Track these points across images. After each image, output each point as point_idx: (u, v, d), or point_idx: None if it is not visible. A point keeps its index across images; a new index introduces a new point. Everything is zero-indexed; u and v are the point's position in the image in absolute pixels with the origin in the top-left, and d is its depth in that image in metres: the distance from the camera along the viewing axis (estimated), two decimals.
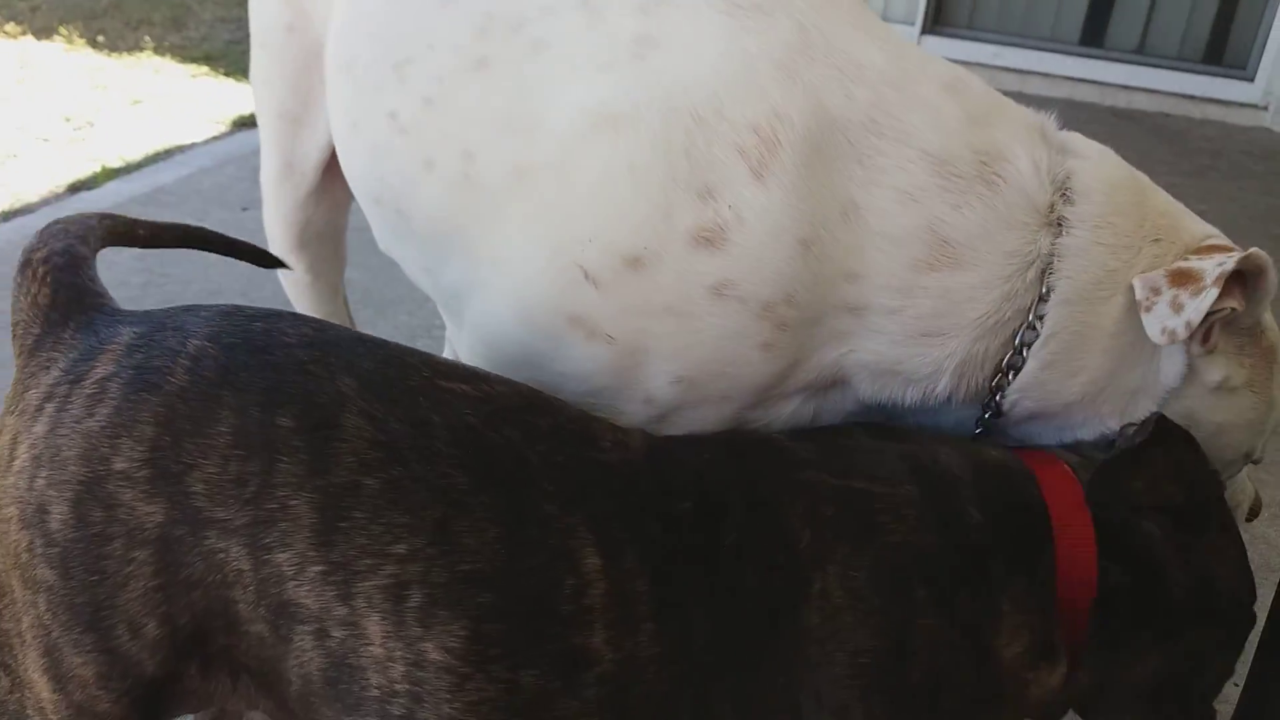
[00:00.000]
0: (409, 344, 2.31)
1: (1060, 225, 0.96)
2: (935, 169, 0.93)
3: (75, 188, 3.36)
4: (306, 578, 0.73)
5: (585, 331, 0.95)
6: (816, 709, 0.79)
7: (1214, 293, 0.90)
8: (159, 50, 4.89)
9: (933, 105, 0.95)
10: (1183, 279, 0.92)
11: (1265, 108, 4.51)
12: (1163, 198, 1.05)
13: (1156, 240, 0.98)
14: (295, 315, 0.88)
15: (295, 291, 1.67)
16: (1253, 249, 0.93)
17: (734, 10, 0.96)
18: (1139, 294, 0.93)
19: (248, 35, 4.85)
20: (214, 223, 2.86)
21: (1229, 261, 0.91)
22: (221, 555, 0.74)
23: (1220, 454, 1.02)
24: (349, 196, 1.55)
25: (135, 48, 4.91)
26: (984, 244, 0.93)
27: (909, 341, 0.95)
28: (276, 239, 1.58)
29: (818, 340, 0.95)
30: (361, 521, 0.74)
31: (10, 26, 5.08)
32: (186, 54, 4.87)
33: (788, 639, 0.80)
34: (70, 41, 4.92)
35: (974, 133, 0.95)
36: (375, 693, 0.74)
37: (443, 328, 2.29)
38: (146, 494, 0.74)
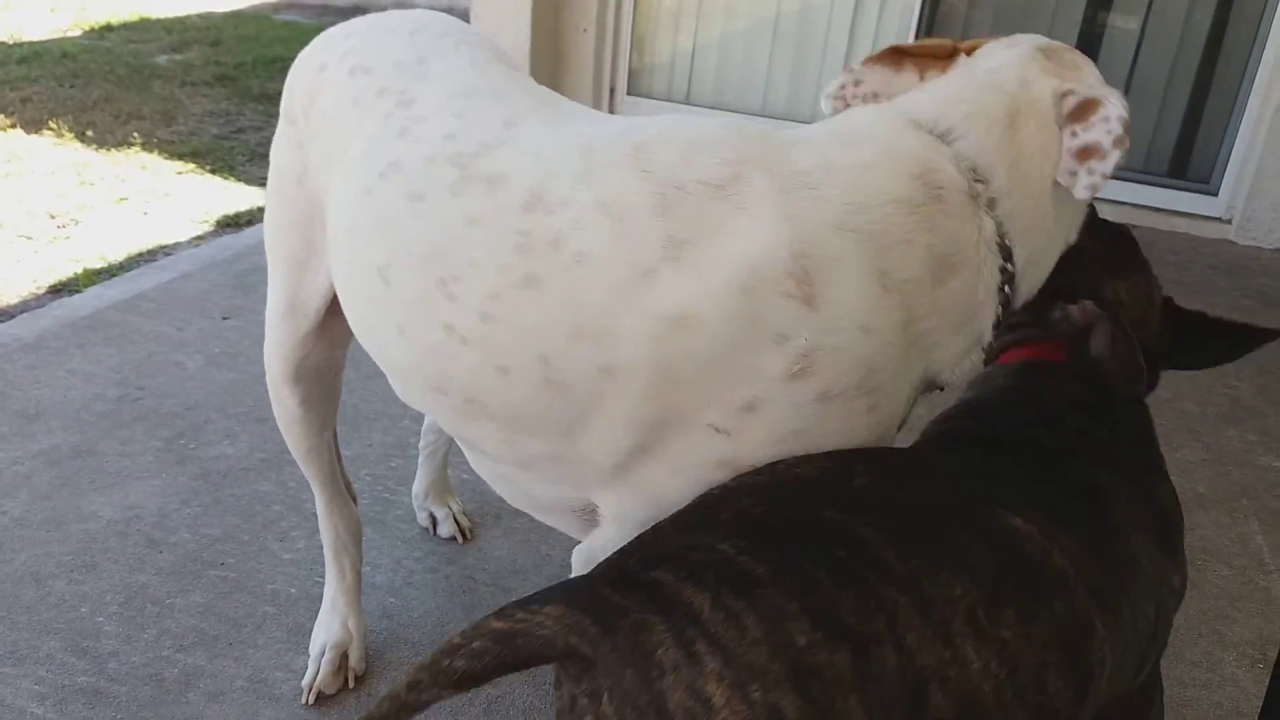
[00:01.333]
0: (383, 462, 2.31)
1: (990, 203, 1.15)
2: (908, 209, 1.10)
3: (56, 290, 3.38)
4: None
5: (733, 470, 1.09)
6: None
7: (1117, 155, 1.14)
8: (147, 145, 4.95)
9: (862, 163, 1.12)
10: (1087, 154, 1.15)
11: (1229, 221, 4.63)
12: (1004, 102, 1.19)
13: (1043, 145, 1.17)
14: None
15: (286, 422, 1.71)
16: (1108, 102, 1.14)
17: (720, 193, 1.08)
18: (1064, 182, 1.17)
19: (235, 131, 4.99)
20: (194, 332, 2.89)
21: (1117, 127, 1.14)
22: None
23: None
24: (347, 337, 1.59)
25: (124, 143, 4.97)
26: (961, 245, 1.13)
27: (955, 334, 1.16)
28: (274, 370, 1.64)
29: (907, 378, 1.15)
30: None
31: (0, 119, 5.14)
32: (174, 150, 4.93)
33: (1136, 563, 1.10)
34: (60, 135, 4.98)
35: (901, 163, 1.12)
36: (991, 697, 0.92)
37: (416, 447, 2.31)
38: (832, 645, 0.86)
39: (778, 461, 1.07)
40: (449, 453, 2.10)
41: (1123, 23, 4.82)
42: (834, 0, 5.03)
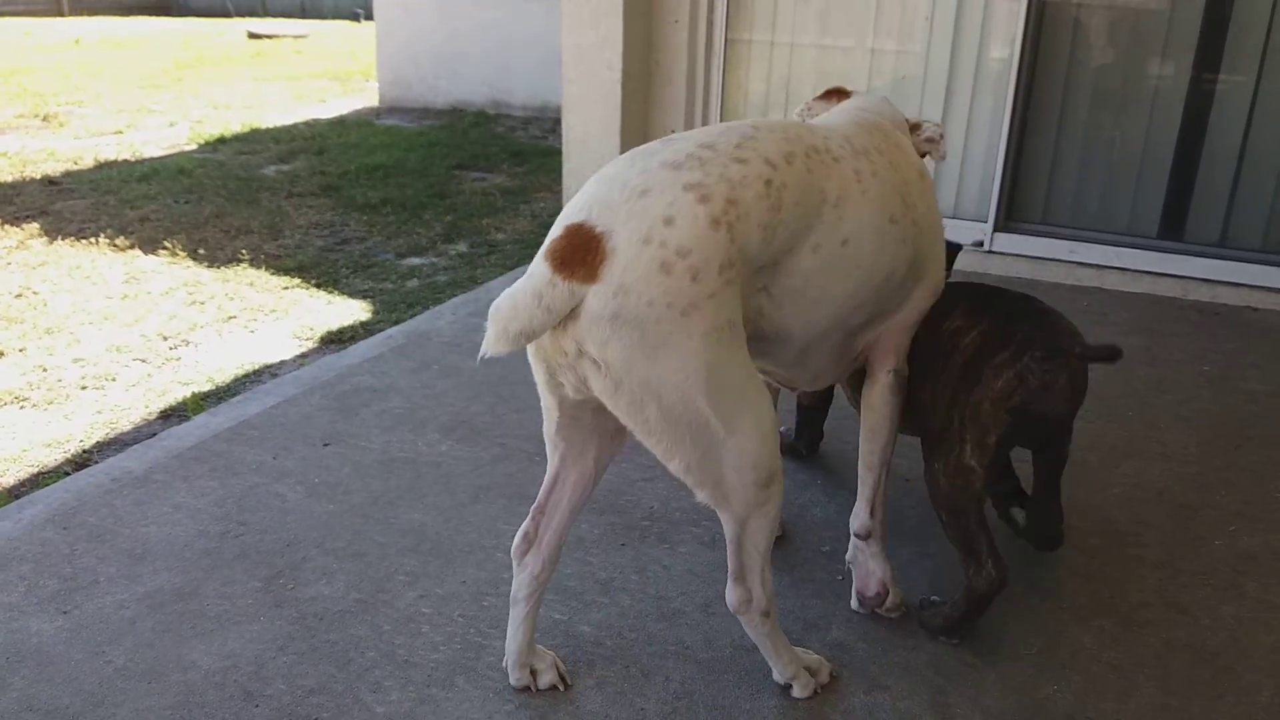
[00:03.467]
0: (475, 601, 2.28)
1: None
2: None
3: (166, 414, 3.49)
4: None
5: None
6: None
7: (944, 146, 2.27)
8: (254, 261, 5.14)
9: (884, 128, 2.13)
10: (930, 143, 2.24)
11: None
12: (892, 111, 2.24)
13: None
14: None
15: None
16: (926, 123, 2.25)
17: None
18: (928, 152, 2.27)
19: (339, 243, 5.22)
20: (295, 460, 2.94)
21: (936, 132, 2.24)
22: None
23: None
24: None
25: (233, 259, 5.17)
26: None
27: None
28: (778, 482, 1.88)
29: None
30: None
31: (120, 240, 5.41)
32: (280, 264, 5.11)
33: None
34: (174, 254, 5.21)
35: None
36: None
37: (509, 584, 2.28)
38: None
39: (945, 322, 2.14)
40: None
41: (1231, 90, 4.63)
42: (926, 75, 4.99)
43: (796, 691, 2.00)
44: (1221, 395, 3.54)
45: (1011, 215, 4.91)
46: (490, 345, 1.60)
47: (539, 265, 1.59)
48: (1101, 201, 4.82)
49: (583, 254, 1.56)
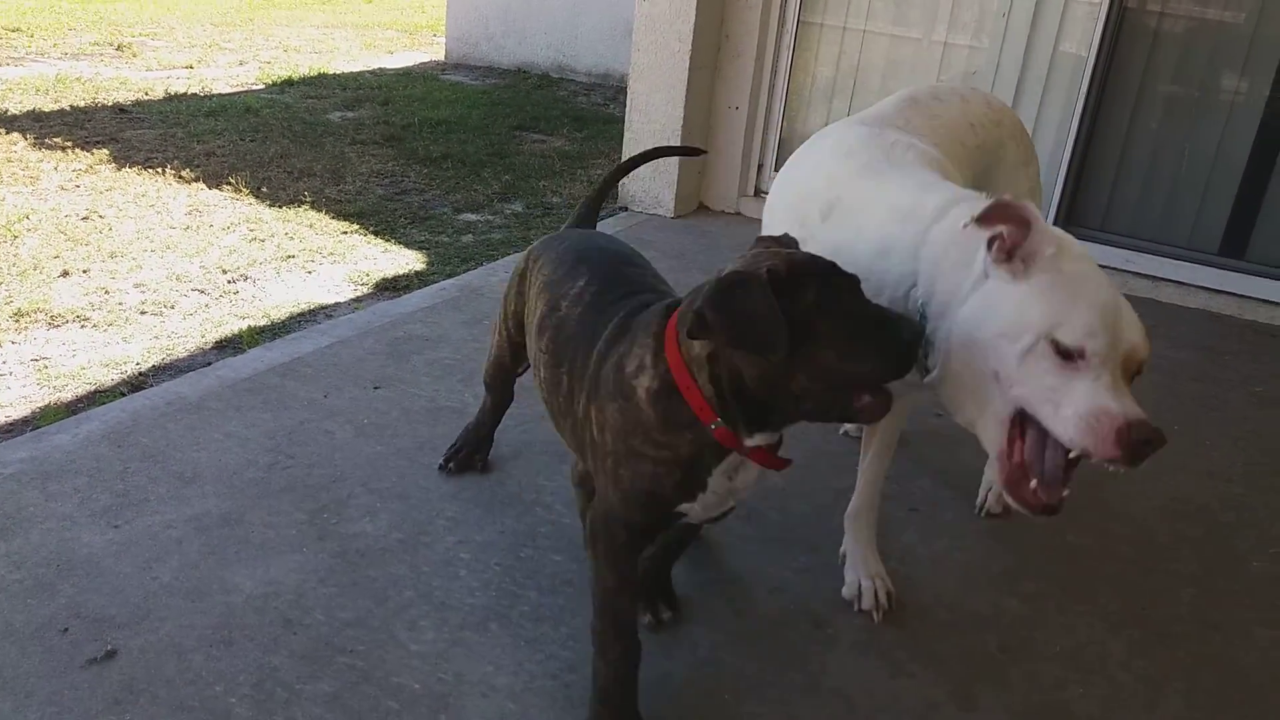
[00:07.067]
0: (512, 552, 2.32)
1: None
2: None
3: (222, 345, 3.56)
4: None
5: None
6: None
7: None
8: (316, 204, 5.19)
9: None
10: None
11: None
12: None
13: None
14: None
15: None
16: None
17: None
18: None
19: (398, 193, 5.25)
20: (346, 400, 2.99)
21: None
22: None
23: None
24: None
25: (294, 200, 5.23)
26: None
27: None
28: None
29: None
30: None
31: (185, 172, 5.49)
32: (341, 209, 5.16)
33: None
34: (237, 190, 5.28)
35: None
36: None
37: (546, 536, 2.32)
38: None
39: None
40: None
41: None
42: (997, 71, 4.93)
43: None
44: (1272, 417, 3.49)
45: (1071, 219, 4.86)
46: None
47: None
48: (1164, 212, 4.76)
49: None
